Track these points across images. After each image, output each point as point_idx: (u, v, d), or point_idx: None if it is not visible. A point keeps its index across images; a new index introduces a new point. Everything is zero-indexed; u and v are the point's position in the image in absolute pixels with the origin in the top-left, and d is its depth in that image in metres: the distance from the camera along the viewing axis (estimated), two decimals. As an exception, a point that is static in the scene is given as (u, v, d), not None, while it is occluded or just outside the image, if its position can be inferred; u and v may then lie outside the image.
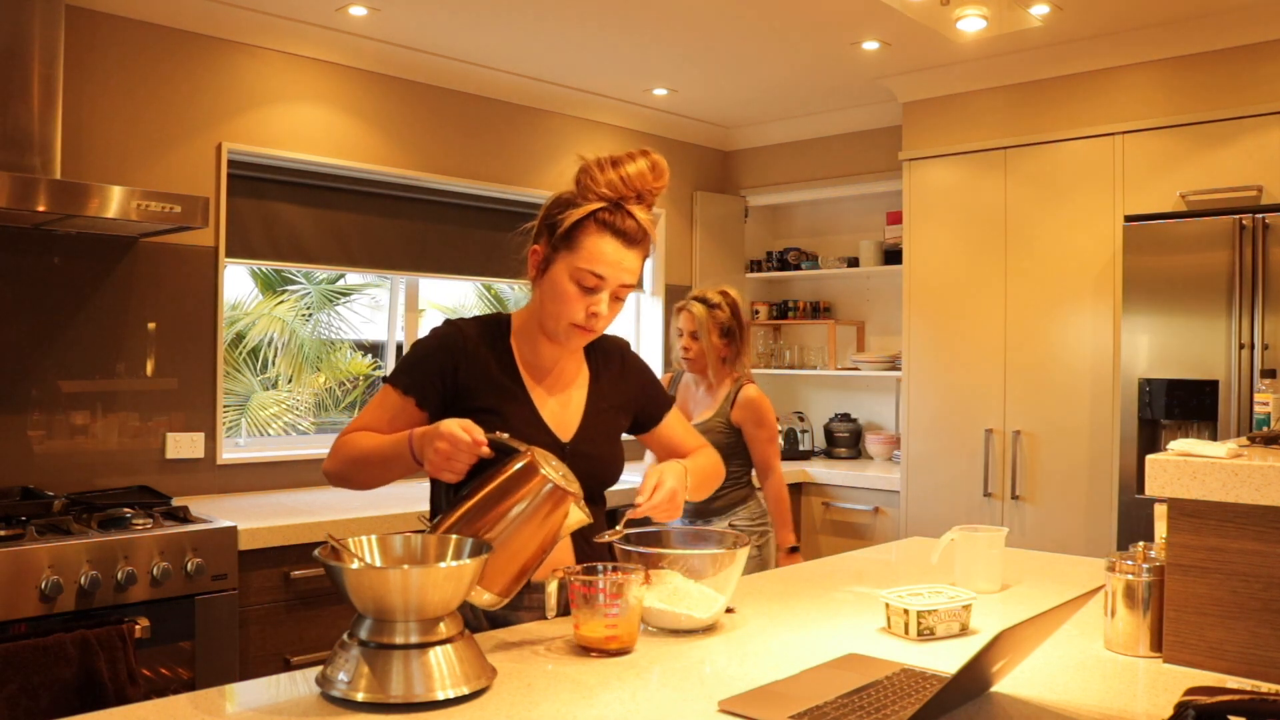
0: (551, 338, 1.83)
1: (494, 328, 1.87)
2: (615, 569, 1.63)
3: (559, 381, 1.89)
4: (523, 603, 1.78)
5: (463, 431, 1.60)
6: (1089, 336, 3.87)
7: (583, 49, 4.01)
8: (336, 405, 5.53)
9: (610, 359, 1.99)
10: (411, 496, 3.58)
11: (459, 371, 1.80)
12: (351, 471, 1.79)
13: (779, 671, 1.52)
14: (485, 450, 1.60)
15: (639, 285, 1.82)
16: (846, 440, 5.03)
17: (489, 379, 1.81)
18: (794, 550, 3.36)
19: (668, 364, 5.04)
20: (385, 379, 1.85)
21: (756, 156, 5.34)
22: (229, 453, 3.62)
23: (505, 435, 1.63)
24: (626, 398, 1.98)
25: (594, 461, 1.86)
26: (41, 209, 2.72)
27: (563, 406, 1.88)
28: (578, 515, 1.63)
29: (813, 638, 1.71)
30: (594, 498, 1.87)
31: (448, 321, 1.86)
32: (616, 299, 1.79)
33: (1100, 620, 1.70)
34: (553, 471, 1.61)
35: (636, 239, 1.77)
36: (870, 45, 3.91)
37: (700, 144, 5.26)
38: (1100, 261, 3.85)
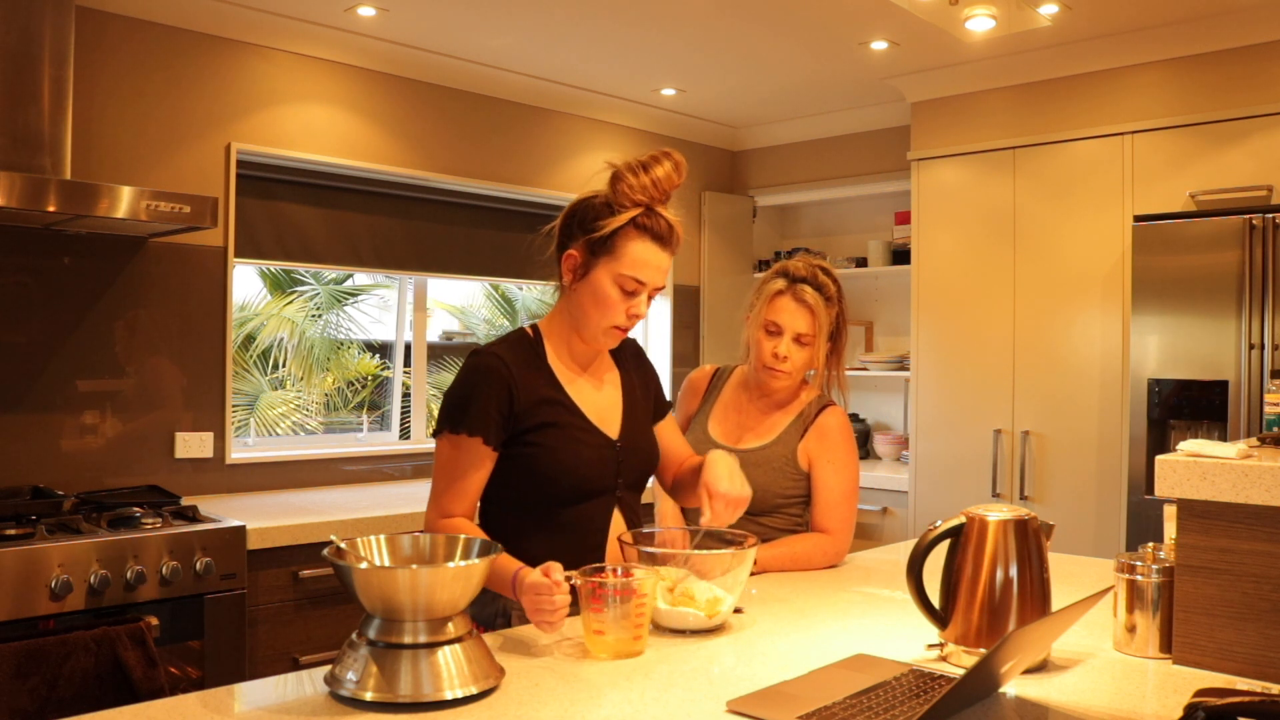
0: (589, 340, 1.89)
1: (524, 345, 1.88)
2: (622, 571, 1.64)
3: (595, 380, 1.95)
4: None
5: (541, 576, 1.59)
6: (1098, 336, 3.86)
7: (591, 49, 4.01)
8: (345, 405, 5.54)
9: (627, 353, 2.06)
10: (419, 497, 3.59)
11: (513, 399, 1.80)
12: None
13: (787, 672, 1.51)
14: (565, 588, 1.59)
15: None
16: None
17: (538, 396, 1.83)
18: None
19: (676, 362, 5.04)
20: (441, 432, 1.81)
21: (765, 156, 5.34)
22: (238, 452, 3.63)
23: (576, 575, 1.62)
24: (646, 390, 2.06)
25: (641, 453, 1.95)
26: (51, 209, 2.73)
27: (603, 404, 1.94)
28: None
29: (821, 638, 1.71)
30: (639, 486, 1.98)
31: (482, 352, 1.85)
32: (649, 298, 1.86)
33: (1109, 621, 1.70)
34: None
35: (670, 240, 1.83)
36: (879, 45, 3.91)
37: (708, 144, 5.26)
38: (1109, 261, 3.83)
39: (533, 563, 1.83)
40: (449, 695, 1.33)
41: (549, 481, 1.81)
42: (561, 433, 1.83)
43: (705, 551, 1.76)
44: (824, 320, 2.29)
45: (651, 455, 2.00)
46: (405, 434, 4.42)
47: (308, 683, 1.44)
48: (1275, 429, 1.89)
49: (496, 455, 1.82)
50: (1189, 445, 1.63)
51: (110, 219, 2.87)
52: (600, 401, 1.93)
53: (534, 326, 1.94)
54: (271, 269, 5.28)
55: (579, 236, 1.84)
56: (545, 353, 1.90)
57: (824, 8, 3.53)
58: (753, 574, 2.09)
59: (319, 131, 3.78)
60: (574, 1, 3.48)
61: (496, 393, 1.79)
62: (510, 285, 5.78)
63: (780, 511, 2.33)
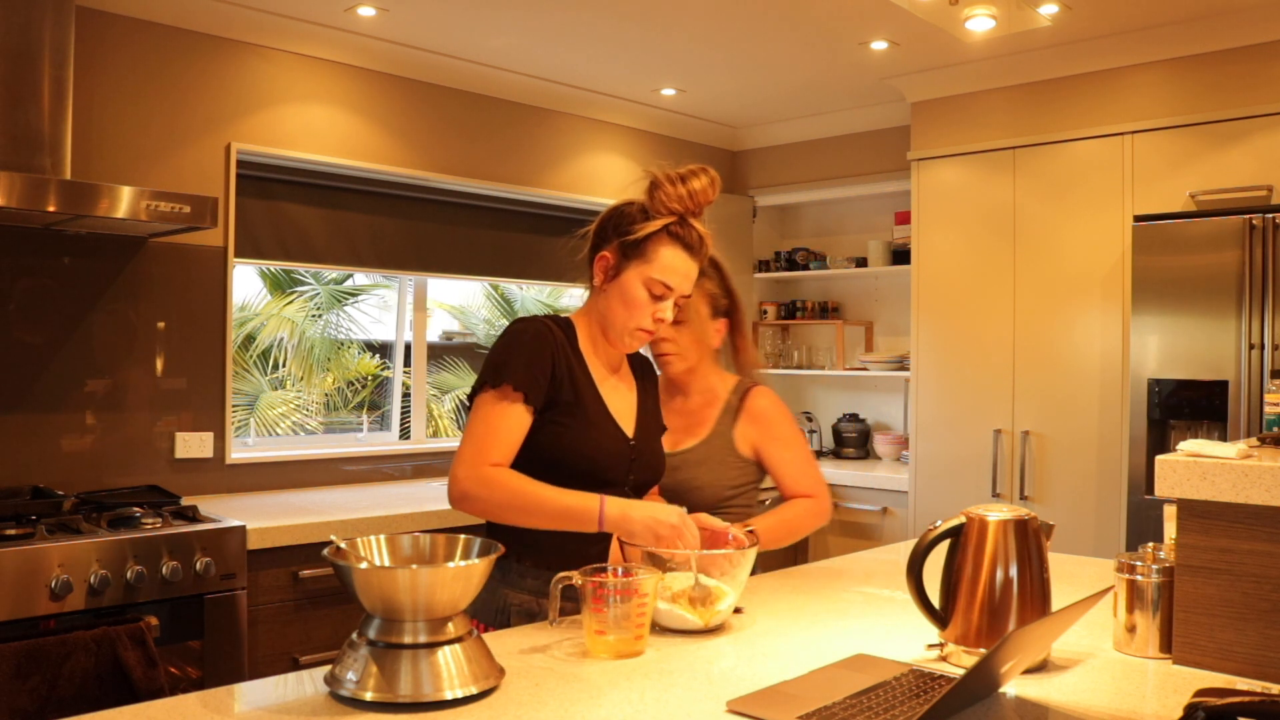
0: (615, 340, 1.94)
1: (565, 328, 1.94)
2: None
3: (618, 381, 2.00)
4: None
5: (688, 527, 1.77)
6: (1098, 336, 3.86)
7: (591, 49, 4.01)
8: (345, 405, 5.54)
9: (642, 366, 2.12)
10: (419, 497, 3.59)
11: (556, 365, 1.86)
12: (510, 512, 1.77)
13: (787, 672, 1.51)
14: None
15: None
16: (855, 440, 5.03)
17: (572, 375, 1.88)
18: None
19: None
20: (484, 386, 1.81)
21: (765, 156, 5.34)
22: (238, 452, 3.63)
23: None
24: (657, 413, 2.11)
25: (652, 457, 2.00)
26: (51, 209, 2.73)
27: (622, 405, 1.98)
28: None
29: (821, 638, 1.71)
30: (646, 490, 2.01)
31: (531, 319, 1.91)
32: (675, 305, 1.92)
33: (1109, 621, 1.70)
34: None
35: (699, 251, 1.90)
36: (879, 45, 3.91)
37: (708, 144, 5.26)
38: (1109, 261, 3.83)
39: (537, 552, 1.86)
40: (449, 695, 1.33)
41: (564, 466, 1.83)
42: (584, 418, 1.87)
43: (706, 551, 1.76)
44: (695, 296, 2.14)
45: (660, 462, 2.04)
46: (405, 434, 4.42)
47: (308, 683, 1.44)
48: (1275, 429, 1.89)
49: (531, 422, 1.83)
50: (1189, 445, 1.63)
51: (110, 219, 2.87)
52: (620, 402, 1.98)
53: (566, 318, 1.98)
54: (271, 269, 5.28)
55: (613, 239, 1.90)
56: (578, 341, 1.94)
57: (824, 8, 3.53)
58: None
59: (319, 131, 3.78)
60: (574, 1, 3.48)
61: (542, 356, 1.84)
62: (510, 285, 5.78)
63: (732, 502, 2.29)
